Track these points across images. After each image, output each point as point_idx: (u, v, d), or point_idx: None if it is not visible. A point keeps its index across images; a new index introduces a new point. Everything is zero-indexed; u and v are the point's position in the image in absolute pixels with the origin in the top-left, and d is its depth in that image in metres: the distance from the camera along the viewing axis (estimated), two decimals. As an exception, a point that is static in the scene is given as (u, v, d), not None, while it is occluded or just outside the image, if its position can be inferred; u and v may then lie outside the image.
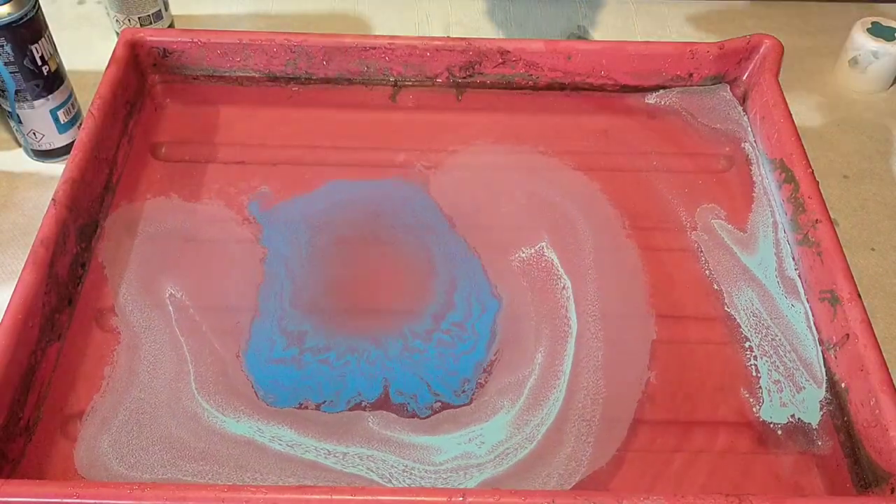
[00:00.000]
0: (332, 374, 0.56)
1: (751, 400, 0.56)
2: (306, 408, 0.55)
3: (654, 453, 0.54)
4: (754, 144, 0.70)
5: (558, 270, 0.62)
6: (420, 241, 0.63)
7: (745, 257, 0.63)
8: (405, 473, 0.52)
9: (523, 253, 0.63)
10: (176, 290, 0.60)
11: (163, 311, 0.59)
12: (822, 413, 0.56)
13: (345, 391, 0.55)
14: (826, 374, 0.57)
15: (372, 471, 0.52)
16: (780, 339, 0.59)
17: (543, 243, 0.64)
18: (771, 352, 0.59)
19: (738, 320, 0.60)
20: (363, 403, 0.55)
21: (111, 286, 0.60)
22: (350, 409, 0.55)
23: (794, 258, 0.63)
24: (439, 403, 0.55)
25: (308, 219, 0.63)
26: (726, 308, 0.61)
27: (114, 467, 0.52)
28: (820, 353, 0.58)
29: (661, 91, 0.73)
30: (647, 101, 0.73)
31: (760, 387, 0.57)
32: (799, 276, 0.62)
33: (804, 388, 0.57)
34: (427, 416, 0.55)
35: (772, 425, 0.55)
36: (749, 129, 0.71)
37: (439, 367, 0.57)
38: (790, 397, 0.56)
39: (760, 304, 0.61)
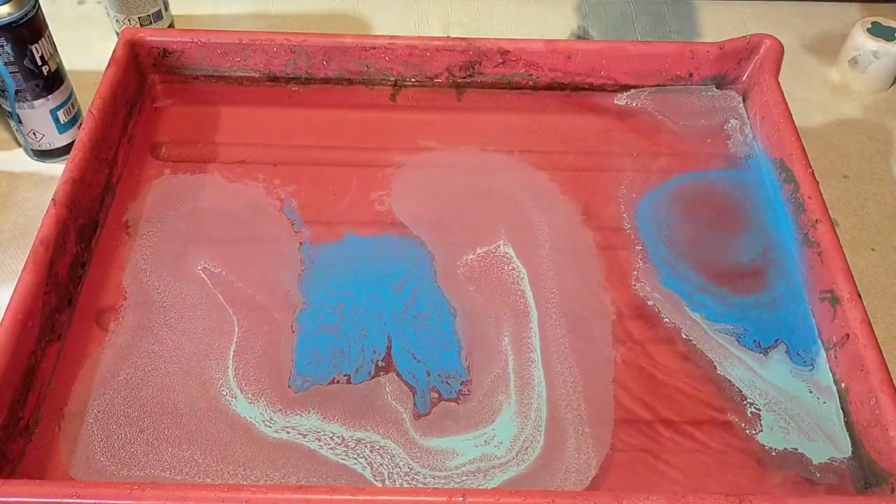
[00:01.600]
0: (355, 331, 0.58)
1: (742, 424, 0.55)
2: (338, 382, 0.55)
3: (638, 452, 0.54)
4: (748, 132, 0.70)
5: (515, 263, 0.62)
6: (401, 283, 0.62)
7: (760, 370, 0.58)
8: (406, 476, 0.52)
9: (480, 250, 0.63)
10: (210, 265, 0.61)
11: (194, 281, 0.60)
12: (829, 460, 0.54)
13: (366, 346, 0.57)
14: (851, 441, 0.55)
15: (370, 465, 0.52)
16: (792, 411, 0.56)
17: (501, 241, 0.64)
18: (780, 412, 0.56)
19: (733, 382, 0.57)
20: (378, 361, 0.56)
21: (123, 264, 0.61)
22: (371, 378, 0.56)
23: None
24: (436, 394, 0.55)
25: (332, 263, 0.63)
26: (718, 372, 0.58)
27: (98, 455, 0.52)
28: (843, 427, 0.55)
29: (633, 91, 0.74)
30: (616, 101, 0.73)
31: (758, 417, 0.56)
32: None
33: (816, 441, 0.55)
34: (428, 410, 0.55)
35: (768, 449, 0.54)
36: (743, 112, 0.72)
37: (423, 341, 0.58)
38: (797, 439, 0.55)
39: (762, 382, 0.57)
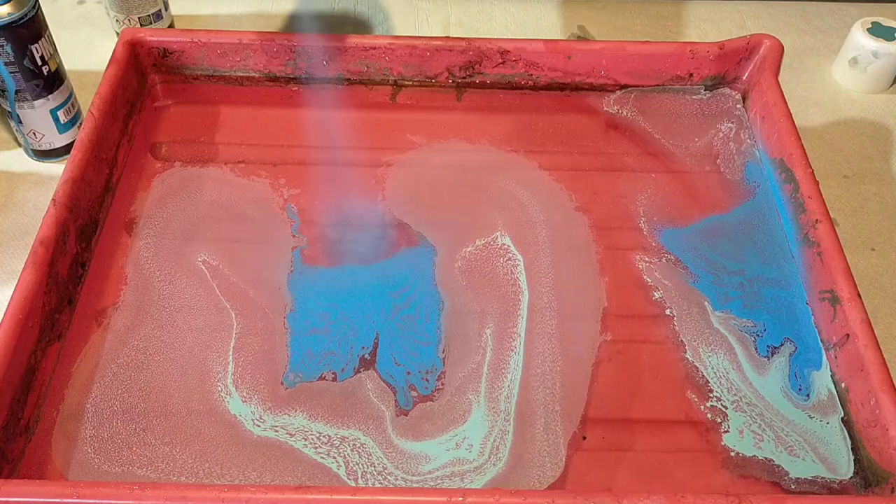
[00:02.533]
0: (344, 331, 0.58)
1: (717, 420, 0.55)
2: (324, 378, 0.56)
3: (608, 451, 0.54)
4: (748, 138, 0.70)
5: (511, 251, 0.63)
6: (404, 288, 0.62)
7: (754, 377, 0.57)
8: (379, 476, 0.52)
9: (479, 242, 0.63)
10: (210, 258, 0.62)
11: (194, 273, 0.61)
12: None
13: (355, 344, 0.58)
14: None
15: (346, 464, 0.52)
16: (769, 419, 0.55)
17: (498, 232, 0.64)
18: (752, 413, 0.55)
19: (704, 374, 0.57)
20: (364, 356, 0.57)
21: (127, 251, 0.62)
22: (355, 373, 0.56)
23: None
24: (415, 392, 0.56)
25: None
26: (688, 357, 0.58)
27: (90, 452, 0.52)
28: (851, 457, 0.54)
29: (619, 93, 0.73)
30: (605, 108, 0.73)
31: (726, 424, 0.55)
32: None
33: (801, 457, 0.54)
34: (410, 406, 0.55)
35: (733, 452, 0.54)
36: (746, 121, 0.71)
37: (405, 341, 0.58)
38: (773, 449, 0.54)
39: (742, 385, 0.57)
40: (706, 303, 0.61)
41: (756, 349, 0.58)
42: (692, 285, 0.62)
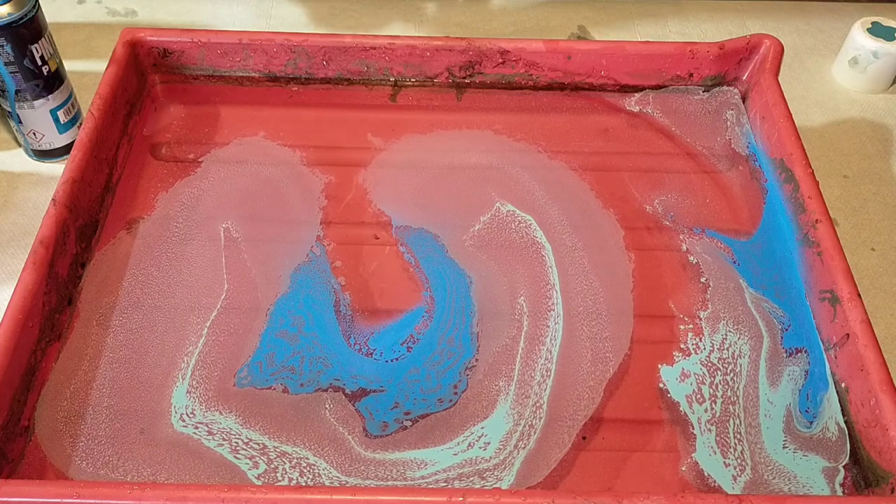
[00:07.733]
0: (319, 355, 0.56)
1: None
2: (274, 389, 0.55)
3: (609, 451, 0.54)
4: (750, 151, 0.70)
5: (519, 215, 0.65)
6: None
7: (764, 383, 0.57)
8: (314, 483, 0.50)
9: (484, 218, 0.65)
10: (233, 227, 0.63)
11: (213, 238, 0.62)
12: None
13: (324, 374, 0.55)
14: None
15: (256, 465, 0.51)
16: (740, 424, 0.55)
17: (498, 203, 0.66)
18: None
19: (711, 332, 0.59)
20: (337, 386, 0.55)
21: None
22: (317, 391, 0.54)
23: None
24: (414, 419, 0.54)
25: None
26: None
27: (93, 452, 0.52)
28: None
29: (639, 94, 0.74)
30: (627, 107, 0.73)
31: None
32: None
33: (725, 460, 0.53)
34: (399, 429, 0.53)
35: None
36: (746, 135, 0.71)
37: (421, 388, 0.55)
38: (704, 420, 0.54)
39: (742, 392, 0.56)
40: (741, 280, 0.61)
41: (781, 340, 0.58)
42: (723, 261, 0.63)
